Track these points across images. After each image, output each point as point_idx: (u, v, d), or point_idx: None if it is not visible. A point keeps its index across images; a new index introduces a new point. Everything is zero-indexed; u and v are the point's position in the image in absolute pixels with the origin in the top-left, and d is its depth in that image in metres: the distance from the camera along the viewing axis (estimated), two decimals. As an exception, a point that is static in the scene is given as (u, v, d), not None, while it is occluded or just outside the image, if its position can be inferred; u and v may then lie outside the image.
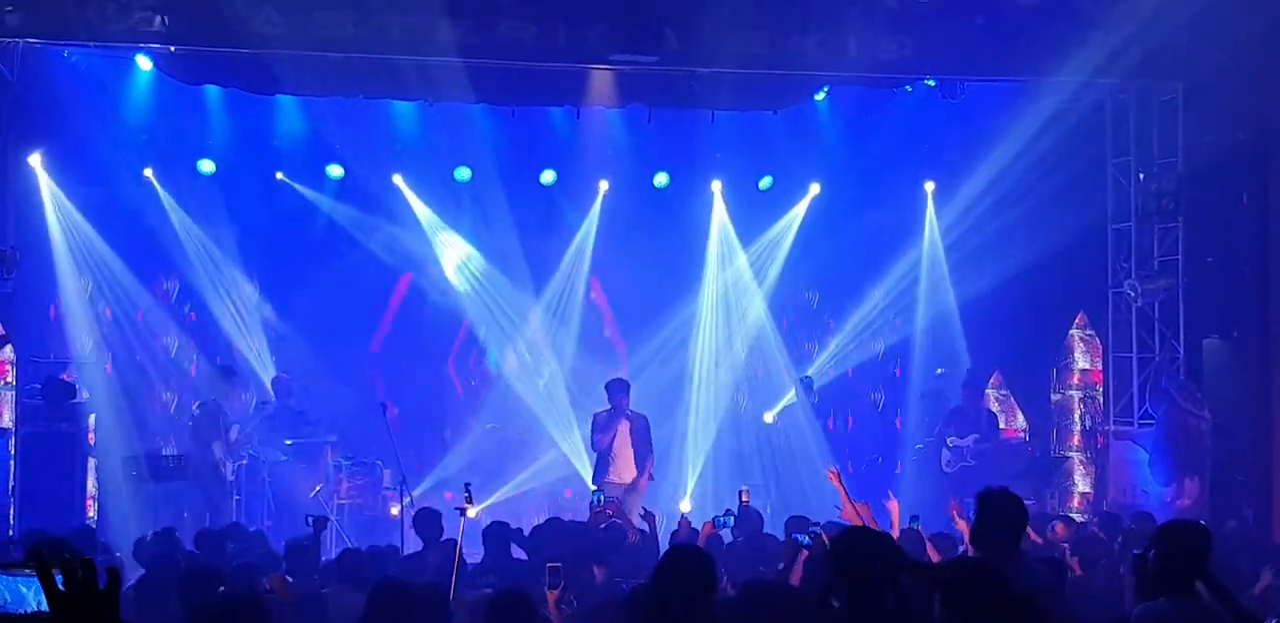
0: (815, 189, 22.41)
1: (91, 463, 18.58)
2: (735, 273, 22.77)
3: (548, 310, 22.49)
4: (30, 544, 11.64)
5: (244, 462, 19.29)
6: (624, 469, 18.47)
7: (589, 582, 11.58)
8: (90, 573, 3.84)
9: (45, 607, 3.90)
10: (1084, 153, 20.15)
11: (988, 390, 21.84)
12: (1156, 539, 7.92)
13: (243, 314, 21.65)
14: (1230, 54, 18.09)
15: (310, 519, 13.21)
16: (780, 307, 23.11)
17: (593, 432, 18.90)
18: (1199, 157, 18.87)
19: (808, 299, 23.31)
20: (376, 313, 22.10)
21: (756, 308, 22.83)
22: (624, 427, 18.57)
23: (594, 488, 16.38)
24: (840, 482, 13.00)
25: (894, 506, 12.99)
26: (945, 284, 21.92)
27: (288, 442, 19.94)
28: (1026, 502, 18.26)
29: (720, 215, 22.56)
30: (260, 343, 21.58)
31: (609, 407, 18.75)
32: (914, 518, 13.55)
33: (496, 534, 13.34)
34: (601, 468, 18.59)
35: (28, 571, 4.18)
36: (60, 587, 3.84)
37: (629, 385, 19.03)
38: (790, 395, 22.27)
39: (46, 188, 19.45)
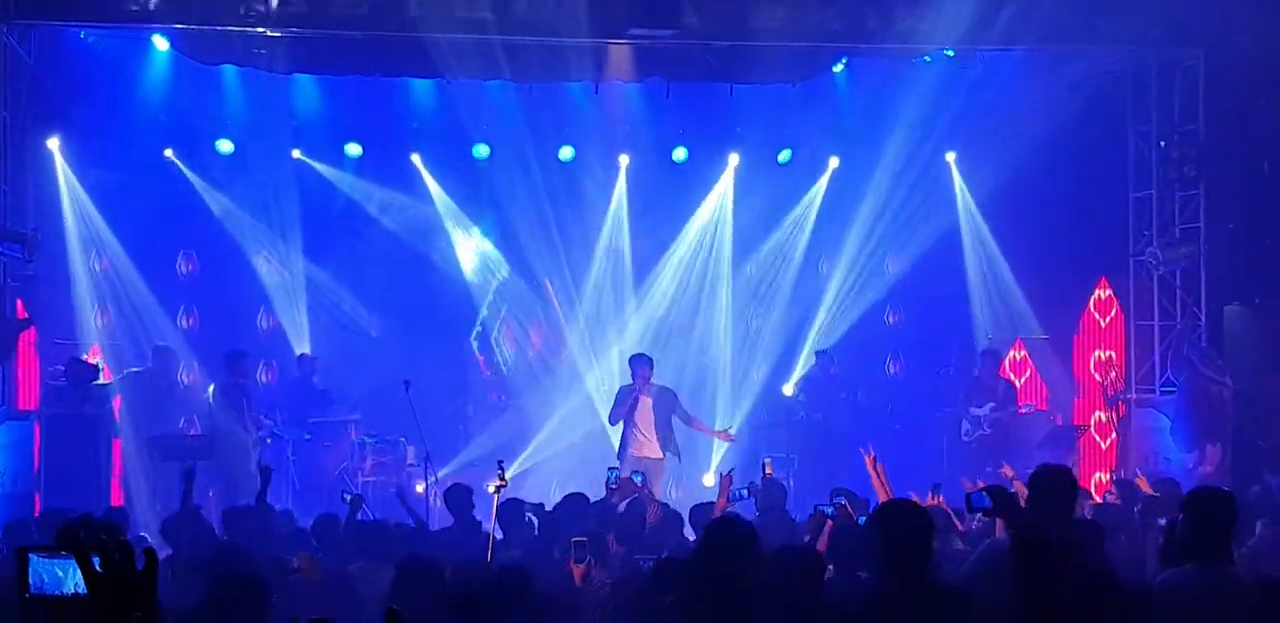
0: (835, 162, 22.37)
1: (117, 444, 18.63)
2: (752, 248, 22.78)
3: (595, 288, 22.49)
4: (62, 525, 11.70)
5: (262, 442, 19.28)
6: (645, 444, 18.44)
7: (604, 557, 11.60)
8: (128, 555, 3.86)
9: (84, 589, 3.91)
10: (1104, 121, 20.14)
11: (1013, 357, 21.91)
12: (1185, 506, 7.95)
13: (263, 292, 21.71)
14: (1251, 21, 17.99)
15: (348, 497, 13.23)
16: (799, 280, 23.04)
17: (613, 406, 18.97)
18: (1220, 124, 18.85)
19: (823, 272, 23.17)
20: (394, 291, 22.03)
21: (784, 280, 22.85)
22: (645, 402, 18.55)
23: (612, 466, 16.34)
24: (874, 468, 13.00)
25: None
26: (993, 250, 21.82)
27: (311, 420, 19.98)
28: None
29: (725, 187, 22.52)
30: (289, 320, 21.64)
31: (630, 383, 18.81)
32: (936, 486, 13.55)
33: (512, 511, 13.34)
34: (625, 443, 18.58)
35: (65, 553, 4.21)
36: (98, 569, 3.86)
37: (651, 360, 19.02)
38: (804, 365, 22.34)
39: (62, 172, 19.49)
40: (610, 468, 14.79)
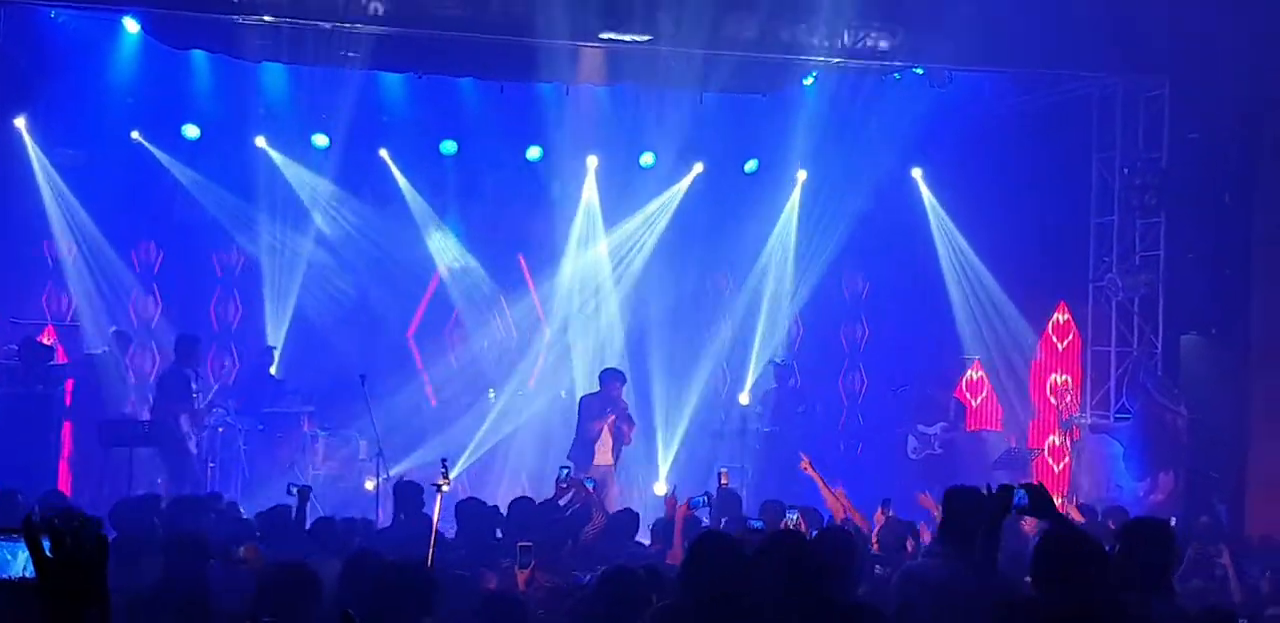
0: (803, 175, 22.43)
1: (67, 426, 18.52)
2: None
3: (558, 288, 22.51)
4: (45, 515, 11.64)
5: (212, 430, 19.14)
6: (602, 454, 18.45)
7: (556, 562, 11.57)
8: (78, 541, 3.83)
9: (31, 573, 3.88)
10: (1069, 145, 20.26)
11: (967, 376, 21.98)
12: (1122, 536, 7.93)
13: (221, 280, 21.63)
14: (1217, 51, 18.11)
15: (293, 489, 13.17)
16: (758, 290, 23.09)
17: (584, 417, 18.78)
18: (1183, 153, 18.94)
19: (788, 285, 23.21)
20: (355, 284, 21.95)
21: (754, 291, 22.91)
22: (611, 418, 18.53)
23: (564, 465, 16.29)
24: (815, 470, 13.11)
25: (839, 493, 13.14)
26: (976, 263, 21.84)
27: (264, 410, 19.89)
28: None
29: (675, 192, 22.53)
30: (242, 309, 21.57)
31: (599, 391, 18.79)
32: (886, 501, 13.60)
33: (471, 511, 13.31)
34: (585, 456, 18.47)
35: (14, 536, 4.18)
36: (48, 553, 3.83)
37: (624, 376, 19.12)
38: (758, 376, 22.39)
39: (33, 151, 19.40)
40: (562, 467, 14.75)
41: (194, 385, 18.99)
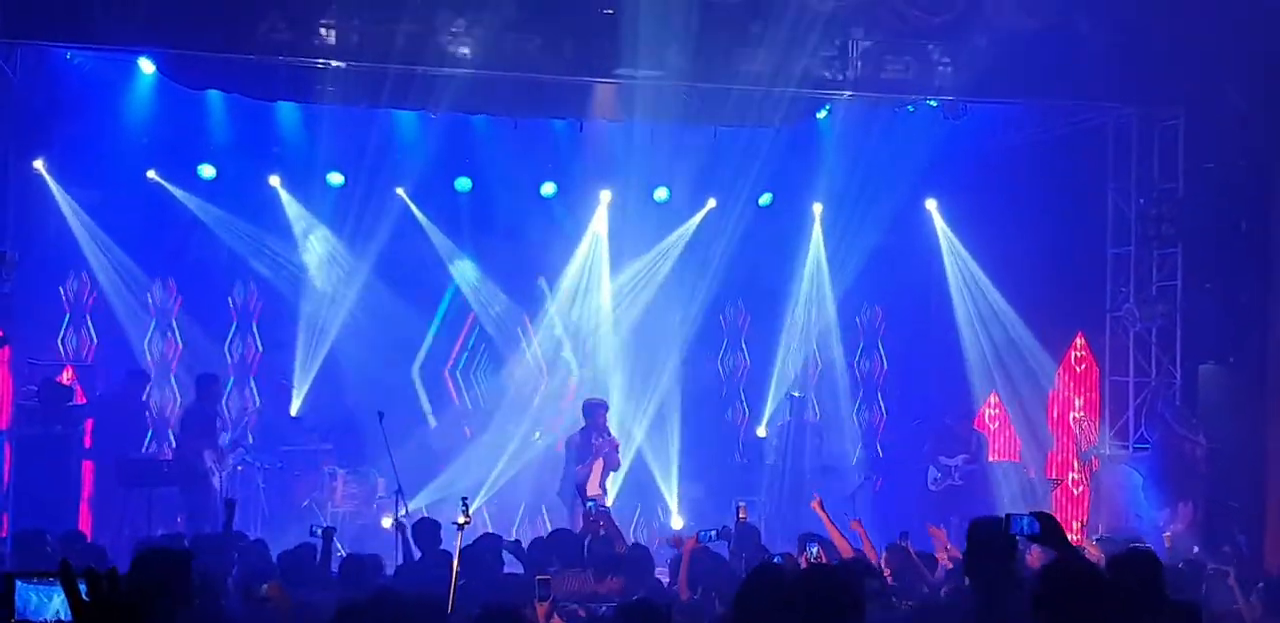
0: (819, 208, 22.47)
1: (87, 466, 18.54)
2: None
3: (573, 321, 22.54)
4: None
5: (232, 469, 19.15)
6: (592, 486, 18.53)
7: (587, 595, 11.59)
8: (115, 584, 3.83)
9: (66, 616, 3.89)
10: (1084, 176, 20.23)
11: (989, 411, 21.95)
12: (1107, 569, 7.91)
13: (238, 320, 21.66)
14: (1233, 82, 18.11)
15: (318, 530, 13.17)
16: (779, 324, 23.12)
17: (569, 459, 18.92)
18: (1199, 183, 18.90)
19: (805, 317, 23.26)
20: (373, 320, 21.95)
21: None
22: (594, 447, 18.66)
23: (590, 499, 16.33)
24: (824, 510, 13.11)
25: (855, 525, 13.17)
26: (991, 292, 21.82)
27: (283, 449, 19.91)
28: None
29: (689, 226, 22.57)
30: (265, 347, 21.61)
31: (584, 427, 18.92)
32: (903, 534, 13.61)
33: (489, 547, 13.33)
34: (570, 494, 18.59)
35: (51, 579, 4.19)
36: (84, 597, 3.83)
37: (607, 405, 19.32)
38: (777, 409, 22.41)
39: (56, 191, 19.50)
40: (590, 500, 14.73)
41: (218, 423, 19.08)
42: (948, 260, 22.16)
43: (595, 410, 18.92)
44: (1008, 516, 7.86)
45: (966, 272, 21.87)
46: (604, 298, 22.49)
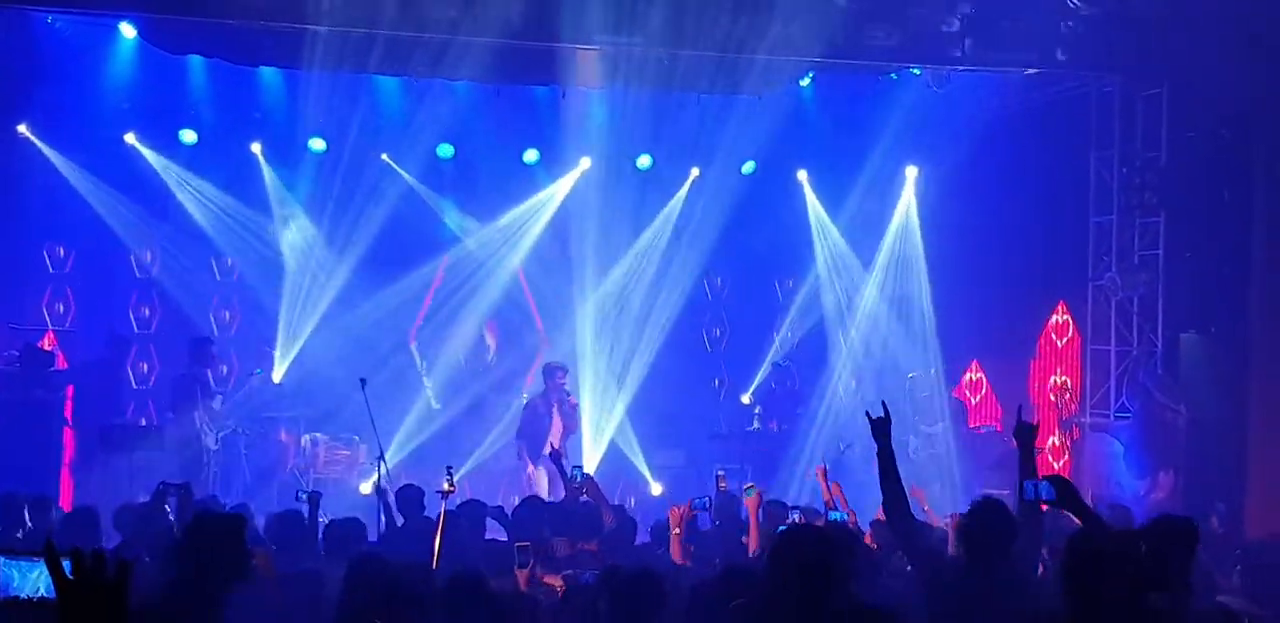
0: (803, 176, 22.49)
1: (68, 432, 18.53)
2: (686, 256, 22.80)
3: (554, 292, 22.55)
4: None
5: (227, 432, 19.18)
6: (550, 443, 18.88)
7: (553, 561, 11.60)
8: (99, 563, 3.82)
9: (49, 593, 3.88)
10: (1067, 145, 20.23)
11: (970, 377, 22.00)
12: (1148, 536, 7.85)
13: (222, 285, 21.63)
14: (1216, 50, 18.07)
15: (303, 494, 13.16)
16: (763, 291, 23.15)
17: (525, 418, 19.65)
18: (1182, 152, 18.89)
19: (788, 285, 23.31)
20: (354, 286, 21.90)
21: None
22: (555, 422, 19.35)
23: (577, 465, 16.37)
24: (825, 479, 13.13)
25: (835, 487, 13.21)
26: (921, 271, 21.92)
27: (265, 415, 19.90)
28: (1003, 493, 18.43)
29: (680, 198, 22.55)
30: (246, 313, 21.56)
31: (544, 391, 19.60)
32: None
33: (471, 512, 13.33)
34: (536, 449, 18.92)
35: (33, 557, 4.18)
36: (69, 575, 3.82)
37: (566, 368, 19.90)
38: (761, 376, 22.45)
39: (50, 154, 19.44)
40: (575, 467, 14.73)
41: (212, 386, 19.12)
42: (919, 228, 22.26)
43: (553, 373, 19.57)
44: (1021, 482, 7.80)
45: (943, 240, 21.93)
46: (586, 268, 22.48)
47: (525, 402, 19.85)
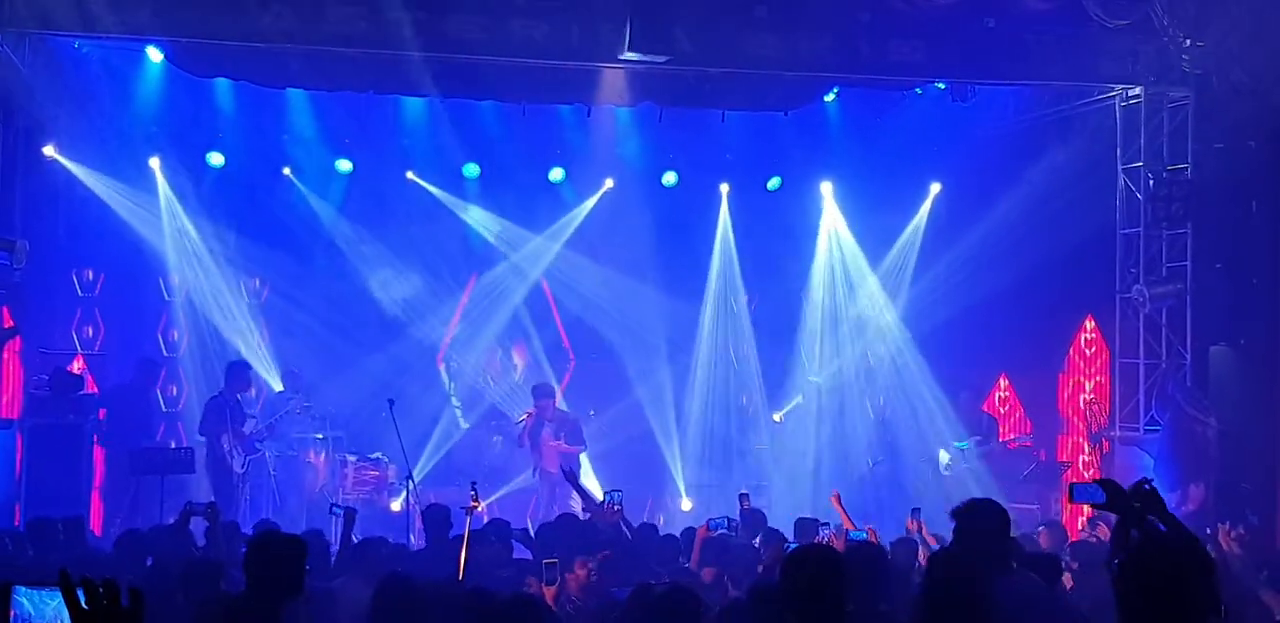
0: (827, 189, 22.49)
1: (99, 455, 18.59)
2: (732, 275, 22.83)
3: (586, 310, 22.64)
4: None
5: (257, 454, 19.22)
6: (550, 463, 19.32)
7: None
8: (113, 592, 3.85)
9: (64, 621, 3.90)
10: (1094, 158, 20.13)
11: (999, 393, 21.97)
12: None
13: (249, 308, 21.68)
14: (1242, 62, 18.04)
15: (338, 510, 13.18)
16: (790, 309, 23.15)
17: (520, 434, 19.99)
18: (1209, 164, 18.83)
19: (818, 299, 23.29)
20: (381, 308, 21.96)
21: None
22: (548, 428, 19.65)
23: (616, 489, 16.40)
24: (841, 504, 13.10)
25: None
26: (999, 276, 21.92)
27: (294, 436, 19.95)
28: (1032, 506, 18.40)
29: (725, 218, 22.57)
30: (266, 337, 21.59)
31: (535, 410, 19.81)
32: (915, 510, 13.73)
33: (498, 531, 13.36)
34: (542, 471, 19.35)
35: (50, 586, 4.20)
36: (83, 605, 3.85)
37: (553, 389, 20.24)
38: (799, 397, 22.40)
39: (81, 173, 19.53)
40: (614, 489, 14.70)
41: (246, 411, 19.19)
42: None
43: (539, 397, 19.91)
44: (1071, 484, 7.68)
45: (970, 255, 21.93)
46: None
47: (520, 420, 20.10)
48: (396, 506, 18.11)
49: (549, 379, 21.65)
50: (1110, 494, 7.20)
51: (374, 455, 20.17)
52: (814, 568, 7.07)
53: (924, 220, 22.33)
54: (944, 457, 20.72)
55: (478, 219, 22.35)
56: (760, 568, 11.68)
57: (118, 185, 20.26)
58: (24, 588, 4.31)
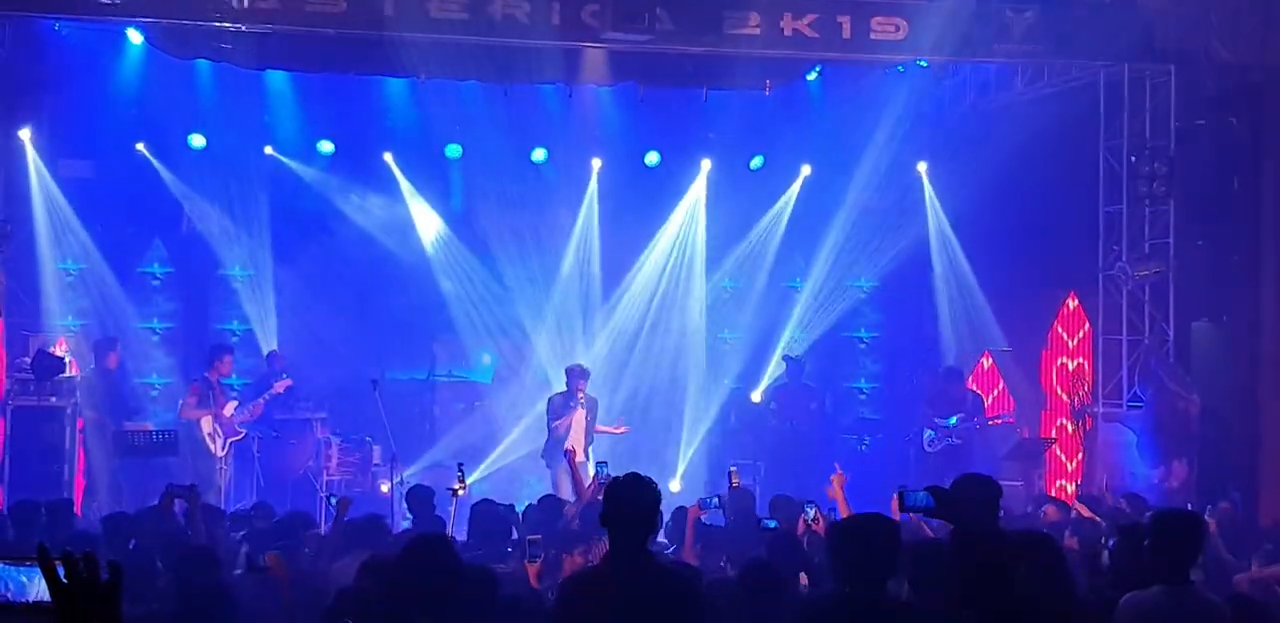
0: (806, 170, 22.42)
1: (80, 438, 18.56)
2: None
3: (564, 292, 22.51)
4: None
5: (239, 437, 19.20)
6: (575, 452, 18.71)
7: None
8: (93, 567, 3.84)
9: (46, 597, 3.89)
10: (1076, 135, 20.14)
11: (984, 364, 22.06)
12: (1151, 528, 7.91)
13: (232, 289, 21.66)
14: (1223, 38, 18.06)
15: (333, 499, 13.16)
16: (770, 288, 23.11)
17: (549, 416, 19.38)
18: (1191, 140, 18.86)
19: (795, 281, 23.28)
20: (364, 289, 21.93)
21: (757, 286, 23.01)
22: (579, 413, 19.13)
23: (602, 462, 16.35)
24: (842, 490, 12.97)
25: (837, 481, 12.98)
26: (962, 264, 21.93)
27: (277, 418, 19.93)
28: (1015, 483, 18.41)
29: (697, 193, 22.53)
30: (254, 317, 21.55)
31: (564, 391, 19.33)
32: (901, 489, 13.58)
33: (484, 511, 13.34)
34: (557, 454, 18.64)
35: (29, 562, 4.18)
36: (63, 579, 3.84)
37: (588, 372, 19.51)
38: (772, 372, 22.40)
39: (33, 163, 19.42)
40: (599, 463, 14.65)
41: (224, 392, 19.17)
42: (931, 230, 22.28)
43: (571, 377, 19.37)
44: (900, 492, 7.84)
45: (946, 239, 21.98)
46: (595, 267, 22.53)
47: (548, 400, 19.70)
48: (386, 488, 18.08)
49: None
50: (940, 501, 7.45)
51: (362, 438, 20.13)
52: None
53: (933, 199, 22.28)
54: (928, 435, 20.74)
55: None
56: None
57: (98, 166, 20.22)
58: (2, 564, 4.32)
